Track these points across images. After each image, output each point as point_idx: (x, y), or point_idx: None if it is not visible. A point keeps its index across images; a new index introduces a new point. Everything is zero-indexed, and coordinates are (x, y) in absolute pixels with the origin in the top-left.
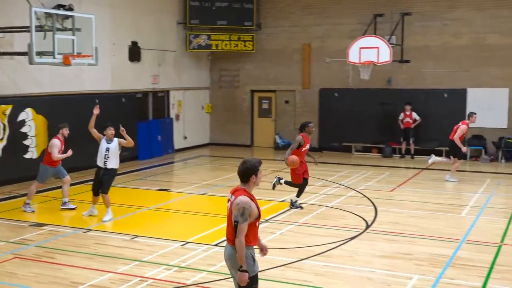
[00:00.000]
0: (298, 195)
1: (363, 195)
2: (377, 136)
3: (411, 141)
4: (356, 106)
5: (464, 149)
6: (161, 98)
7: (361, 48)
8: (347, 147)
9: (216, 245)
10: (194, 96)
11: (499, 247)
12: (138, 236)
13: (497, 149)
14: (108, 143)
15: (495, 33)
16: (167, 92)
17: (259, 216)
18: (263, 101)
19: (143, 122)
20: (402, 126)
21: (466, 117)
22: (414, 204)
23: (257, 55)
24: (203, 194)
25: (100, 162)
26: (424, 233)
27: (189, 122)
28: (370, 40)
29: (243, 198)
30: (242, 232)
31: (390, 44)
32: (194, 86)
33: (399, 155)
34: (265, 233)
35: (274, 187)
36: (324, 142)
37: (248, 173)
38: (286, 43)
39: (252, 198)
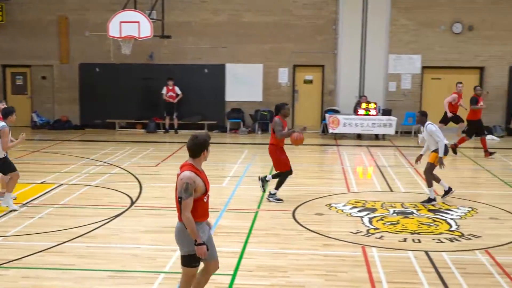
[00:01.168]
0: (277, 187)
1: (128, 171)
2: (141, 112)
3: (174, 116)
4: (118, 81)
5: (449, 114)
6: None
7: (121, 22)
8: (111, 123)
9: None
10: None
11: (256, 213)
12: None
13: (254, 121)
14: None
15: (249, 11)
16: None
17: (206, 191)
18: (17, 76)
19: None
20: (172, 101)
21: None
22: None
23: (9, 27)
24: None
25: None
26: None
27: None
28: (130, 15)
29: (187, 173)
30: (187, 208)
31: (151, 19)
32: None
33: (163, 130)
34: (22, 219)
35: (264, 189)
36: (86, 119)
37: (200, 148)
38: (41, 15)
39: (198, 173)
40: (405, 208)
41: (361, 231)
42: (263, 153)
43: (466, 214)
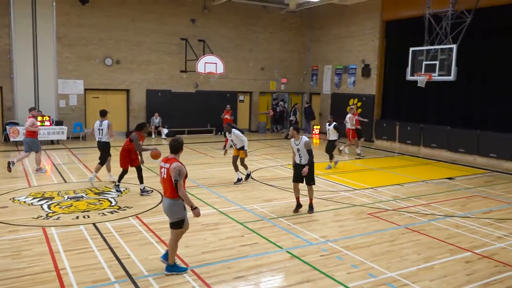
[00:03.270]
0: (120, 180)
1: None
2: None
3: None
4: None
5: (358, 127)
6: None
7: None
8: None
9: None
10: None
11: None
12: None
13: None
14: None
15: None
16: None
17: (186, 175)
18: None
19: None
20: None
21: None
22: None
23: None
24: None
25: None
26: None
27: None
28: None
29: (177, 163)
30: (181, 186)
31: None
32: None
33: None
34: None
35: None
36: None
37: (179, 147)
38: None
39: (181, 163)
40: (77, 194)
41: (42, 216)
42: None
43: (122, 193)
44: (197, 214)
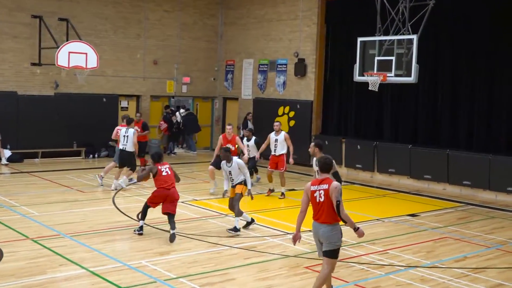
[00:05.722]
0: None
1: None
2: None
3: None
4: None
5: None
6: None
7: None
8: None
9: None
10: None
11: None
12: None
13: None
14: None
15: None
16: None
17: None
18: None
19: None
20: None
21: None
22: None
23: None
24: None
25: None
26: None
27: None
28: None
29: (338, 183)
30: (343, 207)
31: None
32: None
33: None
34: None
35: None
36: None
37: (331, 165)
38: None
39: None
40: None
41: None
42: None
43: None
44: (361, 234)
